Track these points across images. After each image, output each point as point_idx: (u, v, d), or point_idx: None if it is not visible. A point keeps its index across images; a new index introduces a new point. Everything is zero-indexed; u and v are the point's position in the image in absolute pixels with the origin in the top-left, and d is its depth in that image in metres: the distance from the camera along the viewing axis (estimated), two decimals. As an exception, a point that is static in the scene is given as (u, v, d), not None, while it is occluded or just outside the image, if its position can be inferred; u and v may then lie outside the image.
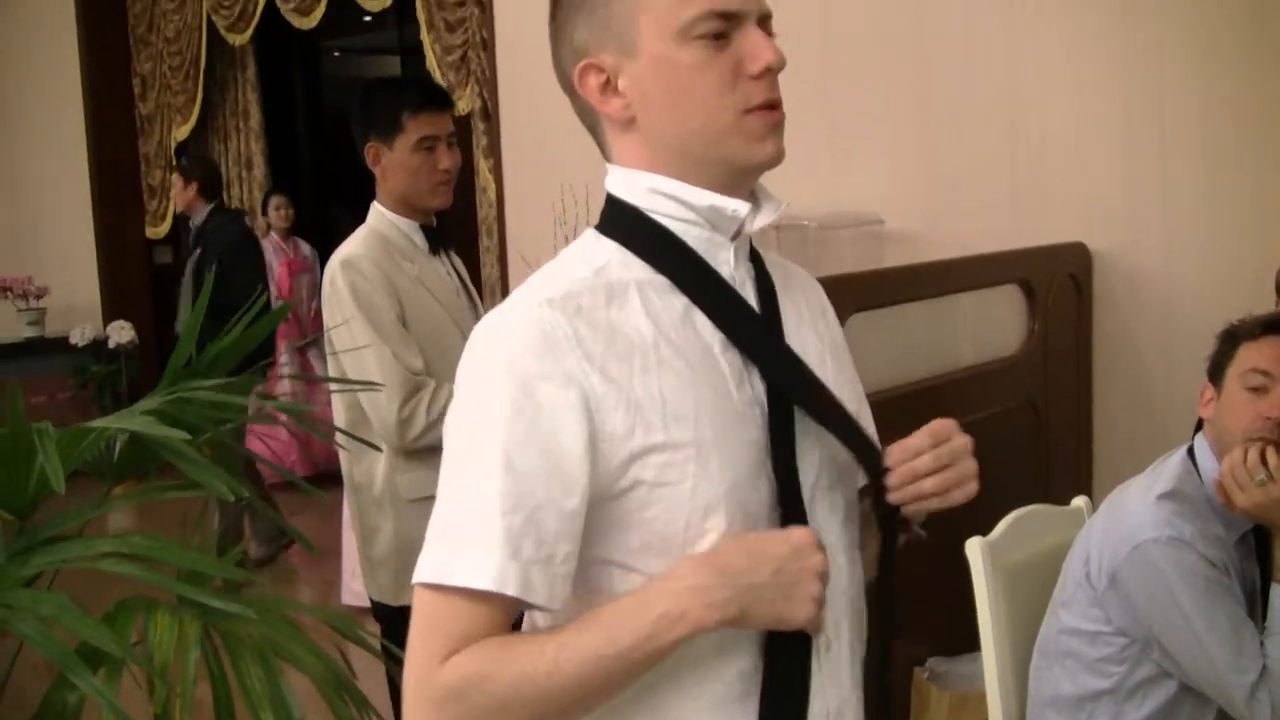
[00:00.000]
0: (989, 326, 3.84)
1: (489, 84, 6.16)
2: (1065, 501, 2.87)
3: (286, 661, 1.84)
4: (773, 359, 1.33)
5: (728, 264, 1.34)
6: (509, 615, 1.21)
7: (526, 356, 1.22)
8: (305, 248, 8.09)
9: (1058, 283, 4.04)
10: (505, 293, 6.32)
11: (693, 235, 1.33)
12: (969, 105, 4.44)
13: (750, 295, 1.36)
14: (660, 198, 1.32)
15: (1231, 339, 2.47)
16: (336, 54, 10.89)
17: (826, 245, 4.27)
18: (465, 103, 6.32)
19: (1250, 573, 2.37)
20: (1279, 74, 3.84)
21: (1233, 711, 2.29)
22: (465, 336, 3.00)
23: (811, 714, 1.30)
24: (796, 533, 1.24)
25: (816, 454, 1.35)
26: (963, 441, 1.34)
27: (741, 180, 1.33)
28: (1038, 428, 3.95)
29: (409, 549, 2.79)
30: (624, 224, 1.34)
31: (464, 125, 6.33)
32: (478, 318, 3.09)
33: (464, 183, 6.51)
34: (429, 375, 2.86)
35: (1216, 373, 2.47)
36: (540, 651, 1.17)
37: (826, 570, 1.23)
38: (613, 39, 1.29)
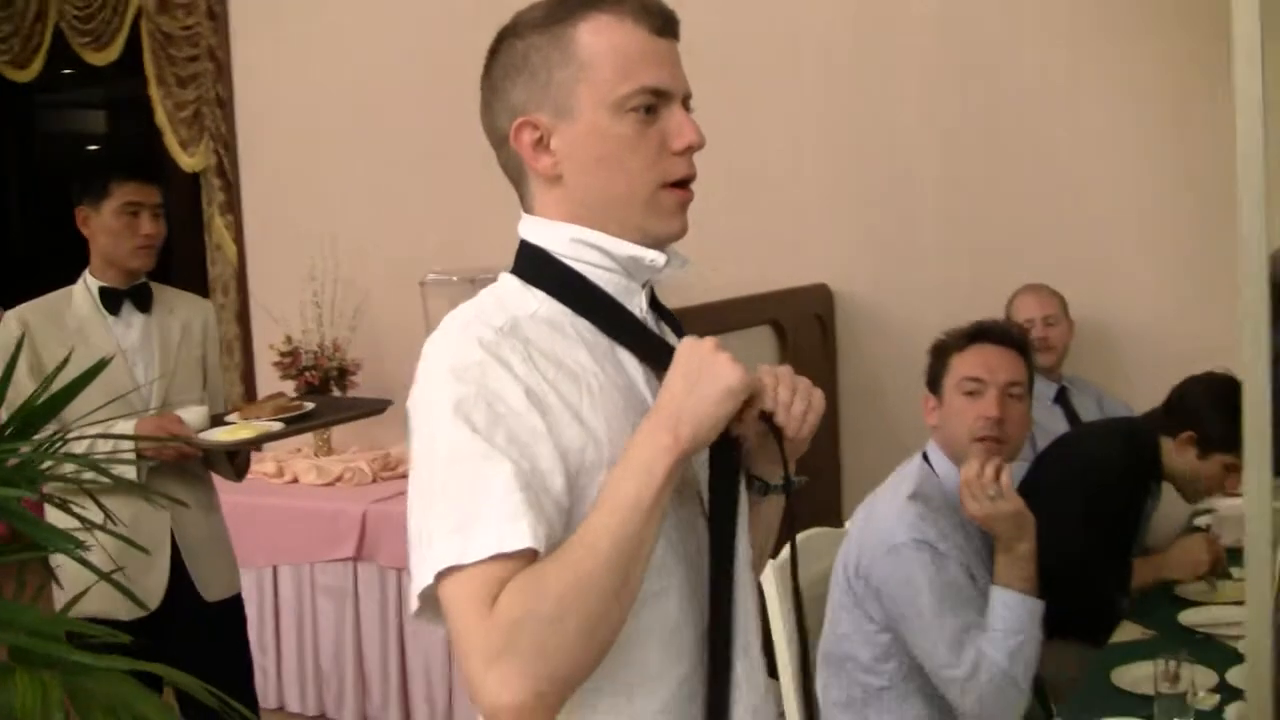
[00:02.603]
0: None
1: (225, 141, 6.07)
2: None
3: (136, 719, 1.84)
4: None
5: (640, 308, 1.48)
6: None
7: (494, 371, 1.32)
8: None
9: (804, 322, 4.30)
10: (247, 351, 6.22)
11: (611, 282, 1.45)
12: (715, 156, 4.63)
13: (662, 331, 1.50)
14: (583, 247, 1.44)
15: (942, 352, 2.76)
16: (57, 109, 10.44)
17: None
18: (200, 159, 6.18)
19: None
20: (1008, 108, 4.23)
21: (951, 702, 2.51)
22: (115, 391, 3.05)
23: (736, 714, 1.42)
24: (681, 351, 1.37)
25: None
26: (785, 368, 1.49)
27: (647, 246, 1.45)
28: (790, 460, 4.15)
29: None
30: (546, 272, 1.45)
31: (195, 182, 6.25)
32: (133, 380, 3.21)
33: (195, 241, 6.40)
34: None
35: (935, 384, 2.75)
36: (570, 548, 1.26)
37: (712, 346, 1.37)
38: (550, 102, 1.41)
